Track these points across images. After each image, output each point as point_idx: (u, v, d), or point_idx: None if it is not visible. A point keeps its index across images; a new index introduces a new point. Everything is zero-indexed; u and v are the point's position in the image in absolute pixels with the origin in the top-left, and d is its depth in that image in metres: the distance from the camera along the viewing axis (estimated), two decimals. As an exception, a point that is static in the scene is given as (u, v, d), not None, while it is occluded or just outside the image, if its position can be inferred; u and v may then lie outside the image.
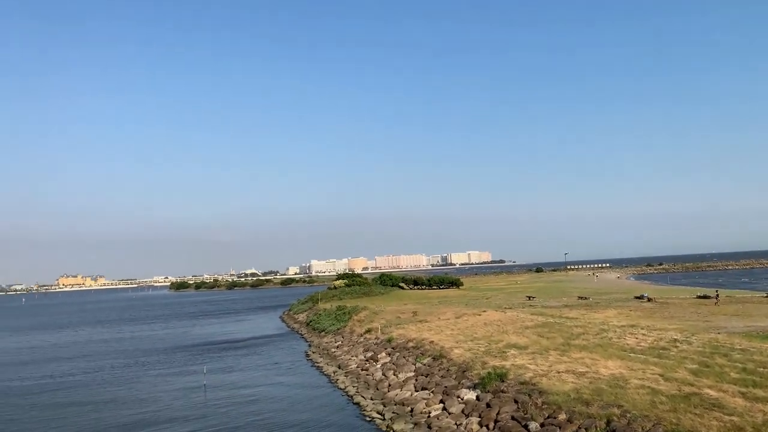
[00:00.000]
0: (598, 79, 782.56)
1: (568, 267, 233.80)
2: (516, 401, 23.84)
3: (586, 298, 70.36)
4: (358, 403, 30.79)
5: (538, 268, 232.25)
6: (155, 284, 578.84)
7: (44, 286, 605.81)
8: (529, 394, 23.92)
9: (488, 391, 26.04)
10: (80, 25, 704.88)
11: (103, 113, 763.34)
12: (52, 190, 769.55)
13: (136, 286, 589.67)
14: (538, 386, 24.63)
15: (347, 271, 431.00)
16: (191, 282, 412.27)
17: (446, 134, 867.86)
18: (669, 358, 27.42)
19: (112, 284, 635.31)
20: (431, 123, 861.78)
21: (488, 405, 24.61)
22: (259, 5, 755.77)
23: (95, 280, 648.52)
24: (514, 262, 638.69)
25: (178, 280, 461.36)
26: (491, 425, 22.77)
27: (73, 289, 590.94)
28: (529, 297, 75.06)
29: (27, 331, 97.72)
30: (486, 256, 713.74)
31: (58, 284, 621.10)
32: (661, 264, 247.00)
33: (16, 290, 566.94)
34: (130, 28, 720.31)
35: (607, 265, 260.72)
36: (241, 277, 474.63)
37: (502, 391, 25.40)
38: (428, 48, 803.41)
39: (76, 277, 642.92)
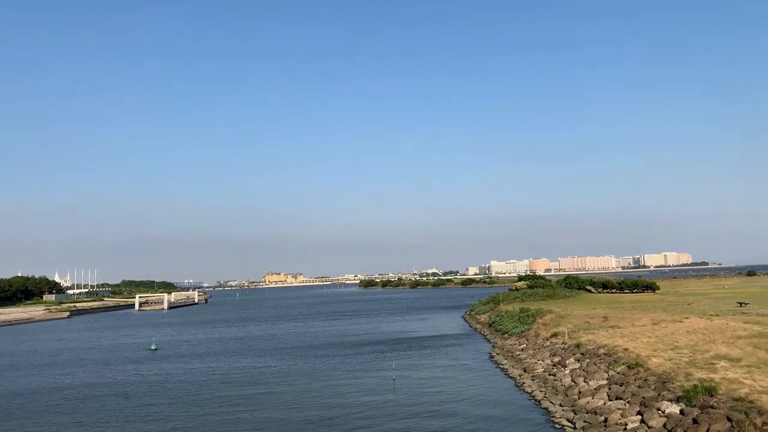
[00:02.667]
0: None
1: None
2: (729, 419, 21.34)
3: (816, 306, 60.42)
4: (546, 409, 29.91)
5: (750, 271, 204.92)
6: (346, 281, 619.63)
7: (253, 282, 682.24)
8: (746, 413, 21.26)
9: (694, 406, 23.65)
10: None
11: (320, 130, 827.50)
12: (262, 200, 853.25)
13: (329, 283, 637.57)
14: (757, 404, 21.78)
15: (528, 272, 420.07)
16: (378, 280, 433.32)
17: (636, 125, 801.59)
18: None
19: (309, 281, 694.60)
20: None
21: (695, 421, 22.37)
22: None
23: (295, 277, 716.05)
24: (719, 264, 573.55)
25: (366, 278, 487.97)
26: (699, 444, 20.69)
27: (276, 285, 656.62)
28: (741, 303, 66.47)
29: (237, 323, 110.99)
30: (685, 258, 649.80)
31: (264, 281, 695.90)
32: None
33: (231, 285, 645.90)
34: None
35: None
36: (423, 277, 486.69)
37: (712, 407, 22.91)
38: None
39: (279, 274, 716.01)
